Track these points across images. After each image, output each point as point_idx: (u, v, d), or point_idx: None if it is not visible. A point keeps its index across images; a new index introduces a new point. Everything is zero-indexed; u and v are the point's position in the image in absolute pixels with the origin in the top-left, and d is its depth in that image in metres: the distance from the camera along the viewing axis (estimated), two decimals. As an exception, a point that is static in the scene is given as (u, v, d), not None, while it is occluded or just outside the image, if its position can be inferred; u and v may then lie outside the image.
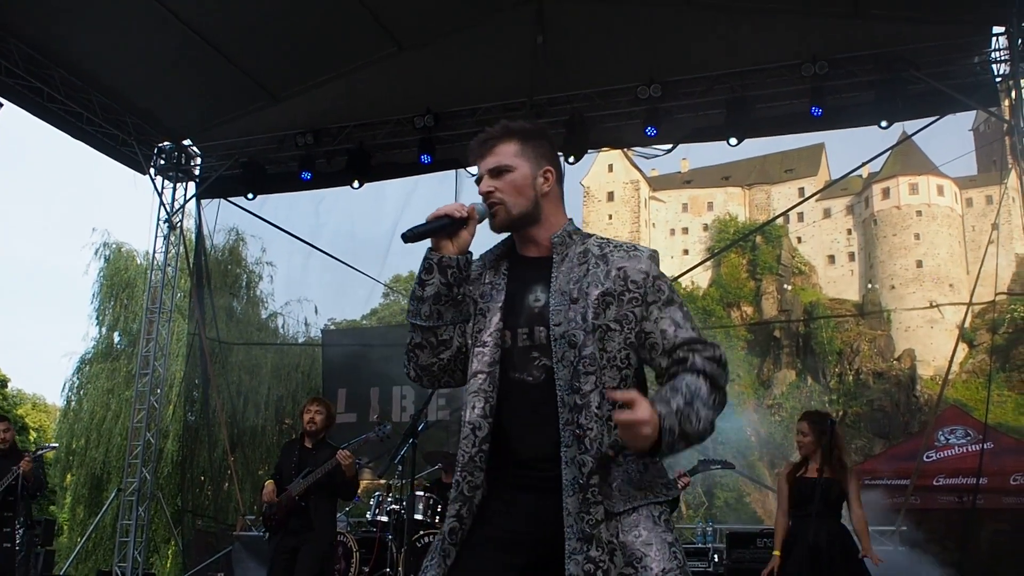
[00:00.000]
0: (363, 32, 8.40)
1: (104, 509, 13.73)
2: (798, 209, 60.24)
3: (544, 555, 1.97)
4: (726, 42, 8.26)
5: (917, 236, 65.38)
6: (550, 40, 8.16)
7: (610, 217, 71.04)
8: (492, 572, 2.00)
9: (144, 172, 10.27)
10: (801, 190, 67.20)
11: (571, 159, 8.79)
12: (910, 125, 9.08)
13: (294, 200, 11.01)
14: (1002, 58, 7.88)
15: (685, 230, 72.71)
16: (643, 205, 72.90)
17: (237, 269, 21.46)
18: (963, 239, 66.17)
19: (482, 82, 8.97)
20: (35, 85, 8.59)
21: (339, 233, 12.18)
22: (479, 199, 2.18)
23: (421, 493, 7.36)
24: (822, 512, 5.20)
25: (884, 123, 8.07)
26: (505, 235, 2.24)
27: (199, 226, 11.13)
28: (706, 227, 71.71)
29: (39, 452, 6.89)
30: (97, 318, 22.27)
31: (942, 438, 11.42)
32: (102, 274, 22.03)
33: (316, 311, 22.59)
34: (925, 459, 10.83)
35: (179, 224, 10.87)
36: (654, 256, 2.12)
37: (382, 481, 7.77)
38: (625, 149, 11.62)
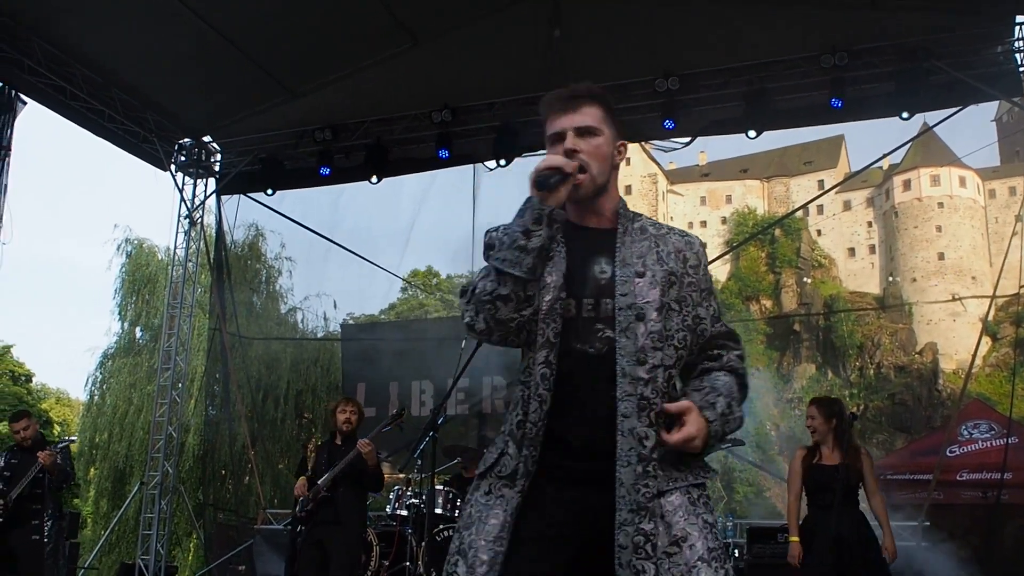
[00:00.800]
0: (379, 27, 8.41)
1: (127, 502, 13.84)
2: (818, 202, 59.90)
3: (592, 548, 1.96)
4: (744, 33, 8.20)
5: (939, 228, 64.83)
6: (567, 33, 8.13)
7: (628, 211, 70.77)
8: (542, 569, 1.97)
9: (165, 169, 10.33)
10: (821, 182, 66.85)
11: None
12: (931, 116, 8.95)
13: (312, 195, 11.05)
14: (1025, 47, 7.78)
15: (703, 223, 72.41)
16: (661, 198, 72.67)
17: (257, 264, 21.57)
18: (986, 231, 65.55)
19: (499, 76, 8.95)
20: (57, 83, 8.65)
21: (357, 228, 12.20)
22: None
23: (441, 487, 7.37)
24: (842, 500, 5.19)
25: (905, 114, 7.96)
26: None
27: (219, 222, 11.17)
28: (724, 220, 71.45)
29: (61, 444, 6.97)
30: (119, 313, 22.44)
31: (965, 432, 11.31)
32: (124, 270, 22.18)
33: (335, 306, 22.62)
34: (948, 454, 10.74)
35: (199, 220, 10.93)
36: (703, 245, 2.19)
37: (401, 475, 7.79)
38: (643, 142, 11.57)
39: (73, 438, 8.86)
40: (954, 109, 8.26)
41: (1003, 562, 8.90)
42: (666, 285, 2.04)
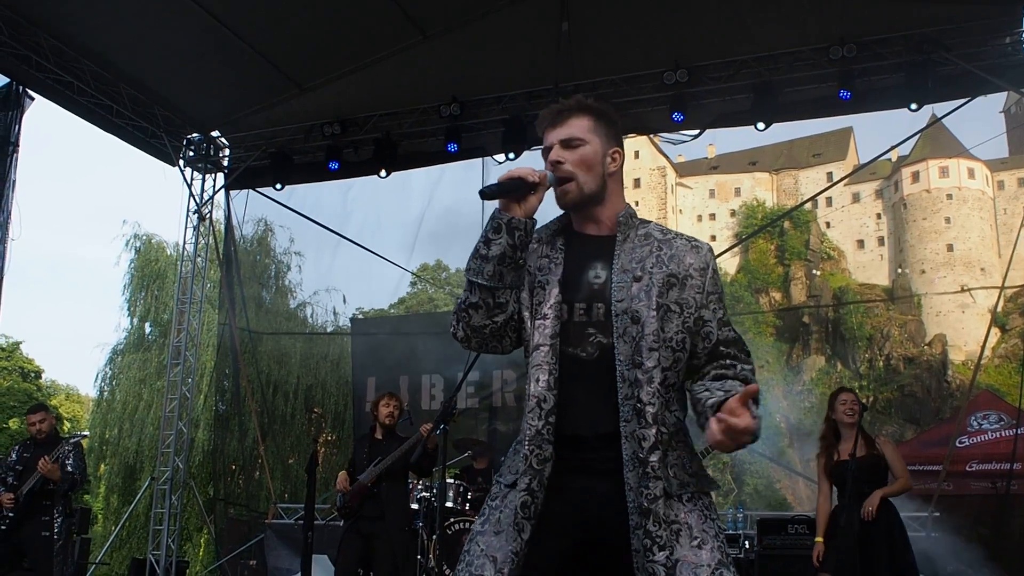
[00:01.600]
0: (388, 21, 8.41)
1: (138, 498, 13.92)
2: (826, 194, 59.56)
3: (591, 537, 2.01)
4: (753, 26, 8.17)
5: (948, 220, 64.57)
6: (575, 26, 8.11)
7: (637, 204, 70.46)
8: (547, 558, 2.01)
9: (174, 164, 10.36)
10: (829, 174, 66.60)
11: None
12: (940, 107, 8.92)
13: (321, 190, 11.05)
14: (1034, 38, 7.74)
15: (712, 216, 72.29)
16: (670, 191, 72.54)
17: (266, 259, 21.59)
18: (995, 222, 65.25)
19: (507, 70, 8.96)
20: (65, 79, 8.67)
21: (367, 222, 12.20)
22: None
23: (451, 481, 7.40)
24: (863, 493, 5.20)
25: (914, 106, 7.93)
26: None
27: (228, 217, 11.20)
28: (733, 213, 71.25)
29: (73, 439, 6.94)
30: (128, 309, 22.54)
31: (975, 423, 11.30)
32: (133, 265, 22.27)
33: (344, 300, 22.59)
34: (958, 444, 10.73)
35: (208, 215, 10.97)
36: (712, 251, 2.20)
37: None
38: (651, 135, 11.53)
39: (85, 433, 8.88)
40: (963, 100, 8.23)
41: (1012, 552, 8.90)
42: (664, 287, 2.06)
